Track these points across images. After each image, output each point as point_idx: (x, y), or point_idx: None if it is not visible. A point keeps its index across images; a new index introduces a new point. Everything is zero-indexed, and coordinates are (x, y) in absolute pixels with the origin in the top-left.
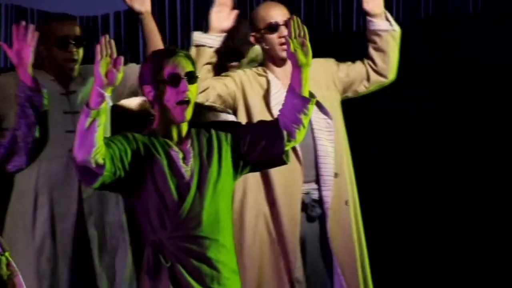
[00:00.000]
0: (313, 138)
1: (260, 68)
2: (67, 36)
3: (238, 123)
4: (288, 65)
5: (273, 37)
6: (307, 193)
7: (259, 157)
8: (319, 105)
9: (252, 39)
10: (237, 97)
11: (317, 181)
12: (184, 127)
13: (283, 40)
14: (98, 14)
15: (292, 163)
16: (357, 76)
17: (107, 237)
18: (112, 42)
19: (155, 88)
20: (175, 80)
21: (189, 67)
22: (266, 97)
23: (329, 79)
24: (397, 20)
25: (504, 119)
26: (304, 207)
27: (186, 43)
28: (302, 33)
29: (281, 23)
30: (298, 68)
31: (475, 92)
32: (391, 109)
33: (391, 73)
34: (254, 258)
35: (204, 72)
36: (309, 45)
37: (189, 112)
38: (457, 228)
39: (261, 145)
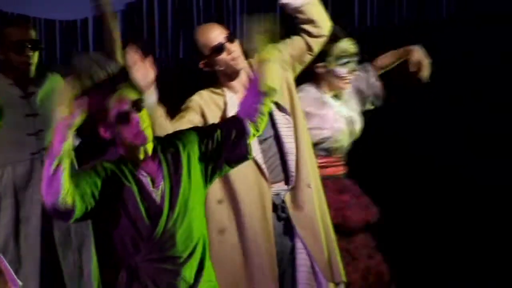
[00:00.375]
0: (277, 137)
1: (217, 89)
2: (23, 40)
3: (200, 128)
4: (243, 74)
5: (223, 57)
6: (277, 194)
7: (225, 158)
8: (276, 104)
9: (201, 66)
10: (202, 124)
11: (286, 180)
12: (149, 147)
13: (233, 55)
14: (77, 18)
15: (258, 178)
16: (298, 51)
17: (72, 235)
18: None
19: (109, 128)
20: (125, 118)
21: (133, 96)
22: (223, 118)
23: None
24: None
25: (493, 120)
26: (274, 208)
27: (164, 53)
28: (266, 29)
29: (224, 41)
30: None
31: (460, 94)
32: (383, 114)
33: (326, 29)
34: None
35: (162, 122)
36: (269, 40)
37: (149, 134)
38: (453, 229)
39: (227, 145)
